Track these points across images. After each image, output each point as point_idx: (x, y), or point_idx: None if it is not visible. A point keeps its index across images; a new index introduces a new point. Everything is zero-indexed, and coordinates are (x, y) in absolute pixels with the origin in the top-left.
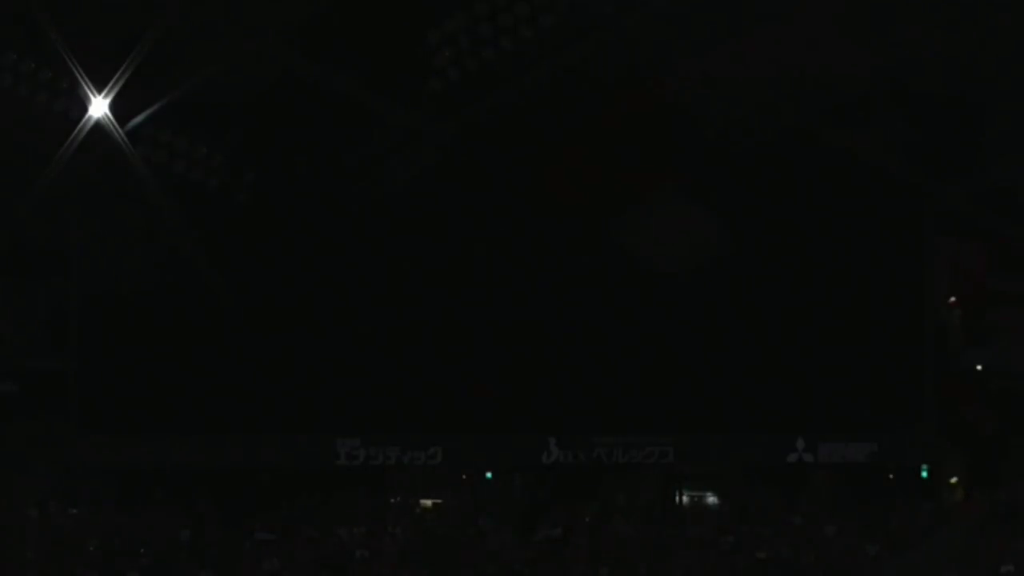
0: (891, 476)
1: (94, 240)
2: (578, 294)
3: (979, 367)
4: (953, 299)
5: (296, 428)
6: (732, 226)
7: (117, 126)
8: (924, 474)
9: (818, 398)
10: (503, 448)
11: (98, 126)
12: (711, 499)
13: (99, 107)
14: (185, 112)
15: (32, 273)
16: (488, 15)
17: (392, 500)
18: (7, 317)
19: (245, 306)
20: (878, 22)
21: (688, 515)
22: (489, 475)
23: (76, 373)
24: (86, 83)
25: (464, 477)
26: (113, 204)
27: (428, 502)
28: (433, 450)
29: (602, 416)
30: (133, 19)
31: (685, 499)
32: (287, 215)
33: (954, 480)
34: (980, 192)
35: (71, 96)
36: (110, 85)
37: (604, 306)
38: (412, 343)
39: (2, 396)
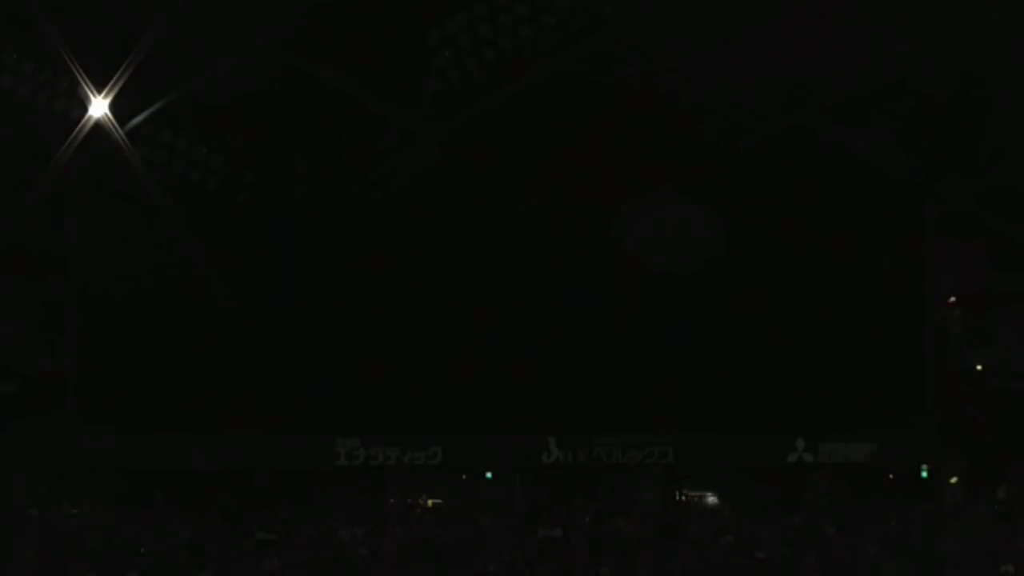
0: (891, 476)
1: (94, 240)
2: (578, 294)
3: (979, 367)
4: (953, 299)
5: (296, 428)
6: (731, 226)
7: (117, 126)
8: (924, 474)
9: (818, 398)
10: (503, 448)
11: (98, 126)
12: (711, 499)
13: (99, 107)
14: (185, 112)
15: (32, 273)
16: (488, 15)
17: (392, 500)
18: (7, 317)
19: (245, 306)
20: (878, 21)
21: (688, 515)
22: (489, 475)
23: (76, 373)
24: (86, 83)
25: (464, 477)
26: (113, 204)
27: (428, 502)
28: (433, 450)
29: (602, 416)
30: (133, 19)
31: (685, 499)
32: (287, 215)
33: (954, 480)
34: (980, 192)
35: (71, 96)
36: (110, 85)
37: (604, 306)
38: (412, 343)
39: (2, 396)
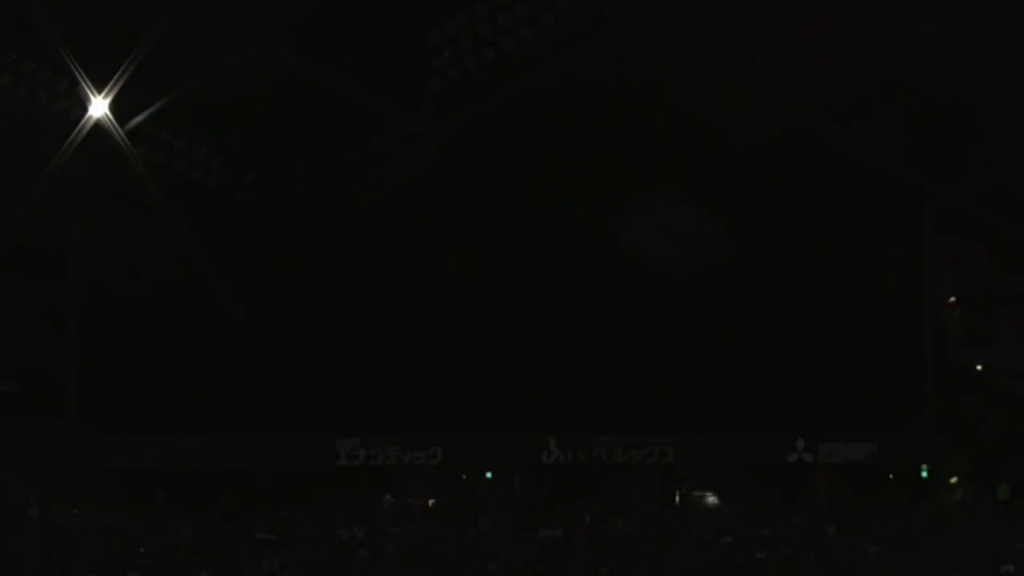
0: (891, 476)
1: (94, 240)
2: (578, 294)
3: (979, 367)
4: (953, 299)
5: (296, 428)
6: (731, 226)
7: (117, 126)
8: (924, 474)
9: (818, 398)
10: (503, 448)
11: (98, 126)
12: (711, 499)
13: (99, 107)
14: (185, 112)
15: (32, 273)
16: (488, 15)
17: (392, 500)
18: (7, 317)
19: (245, 306)
20: (878, 21)
21: (689, 515)
22: (489, 475)
23: (76, 373)
24: (86, 83)
25: (464, 477)
26: (113, 204)
27: (428, 502)
28: (433, 450)
29: (602, 416)
30: (133, 19)
31: (685, 499)
32: (287, 215)
33: (954, 480)
34: (980, 192)
35: (71, 96)
36: (110, 85)
37: (604, 306)
38: (412, 343)
39: (2, 396)
